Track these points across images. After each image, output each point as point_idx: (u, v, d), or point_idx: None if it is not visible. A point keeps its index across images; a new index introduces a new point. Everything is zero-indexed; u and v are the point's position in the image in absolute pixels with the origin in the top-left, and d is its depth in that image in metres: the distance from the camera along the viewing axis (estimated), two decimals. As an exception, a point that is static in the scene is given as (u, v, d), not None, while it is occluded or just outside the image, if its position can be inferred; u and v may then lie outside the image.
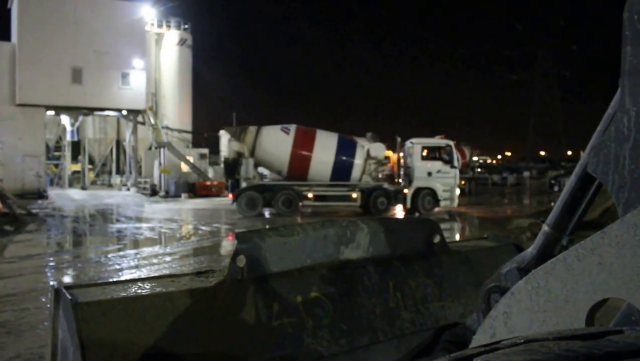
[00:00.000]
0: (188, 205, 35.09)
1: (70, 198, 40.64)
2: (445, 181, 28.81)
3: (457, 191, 29.77)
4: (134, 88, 47.27)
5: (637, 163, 1.70)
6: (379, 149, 29.69)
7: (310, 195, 28.39)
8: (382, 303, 2.70)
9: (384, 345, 2.63)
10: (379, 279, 2.73)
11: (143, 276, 2.47)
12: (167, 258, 15.43)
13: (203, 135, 66.50)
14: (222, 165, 35.76)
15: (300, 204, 28.30)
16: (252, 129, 28.88)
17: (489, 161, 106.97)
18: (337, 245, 2.68)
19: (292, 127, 29.32)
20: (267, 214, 28.55)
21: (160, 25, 61.57)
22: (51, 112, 47.67)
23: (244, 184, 28.37)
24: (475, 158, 70.41)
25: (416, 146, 28.86)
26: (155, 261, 14.93)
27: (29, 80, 42.58)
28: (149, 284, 2.32)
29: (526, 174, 71.57)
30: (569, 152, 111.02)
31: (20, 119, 42.98)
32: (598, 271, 1.47)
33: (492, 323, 1.76)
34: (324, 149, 28.87)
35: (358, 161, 29.12)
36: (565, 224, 2.20)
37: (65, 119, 51.39)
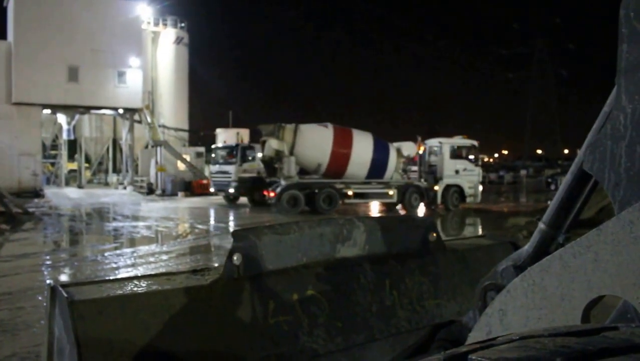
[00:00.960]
0: (184, 204, 35.39)
1: (66, 196, 40.60)
2: (470, 178, 31.03)
3: (480, 188, 32.16)
4: (130, 87, 47.19)
5: (633, 161, 1.69)
6: (410, 148, 31.11)
7: (350, 193, 29.40)
8: (378, 301, 2.69)
9: (380, 343, 2.63)
10: (375, 278, 2.72)
11: (139, 275, 2.47)
12: (164, 257, 15.42)
13: (199, 133, 66.53)
14: None
15: (340, 202, 29.30)
16: (289, 126, 29.34)
17: (485, 159, 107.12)
18: (334, 243, 2.67)
19: (330, 125, 30.03)
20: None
21: (156, 24, 61.50)
22: (47, 111, 47.62)
23: (282, 182, 28.72)
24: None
25: (445, 145, 30.78)
26: (151, 259, 14.91)
27: (25, 79, 42.48)
28: (145, 283, 2.31)
29: (523, 172, 71.73)
30: (566, 151, 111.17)
31: (16, 117, 42.89)
32: (594, 268, 1.47)
33: (488, 320, 1.76)
34: (362, 147, 29.80)
35: (392, 159, 30.47)
36: (562, 222, 2.19)
37: (61, 118, 51.30)
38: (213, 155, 38.42)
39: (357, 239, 2.74)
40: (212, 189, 37.30)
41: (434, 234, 3.02)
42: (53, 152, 56.69)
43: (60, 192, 45.06)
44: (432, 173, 30.73)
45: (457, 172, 30.64)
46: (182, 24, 64.00)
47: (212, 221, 26.15)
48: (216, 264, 2.57)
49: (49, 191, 42.51)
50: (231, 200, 35.39)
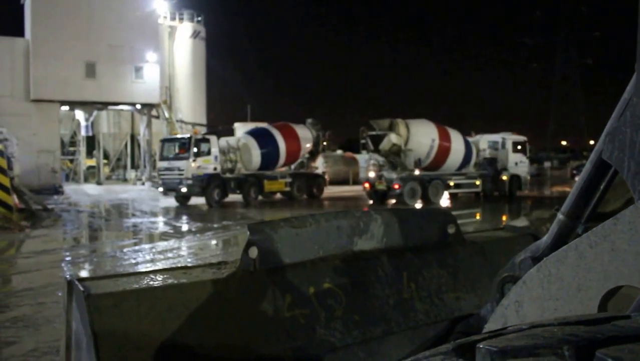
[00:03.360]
0: (202, 198, 35.30)
1: (85, 193, 40.84)
2: (523, 169, 35.62)
3: (528, 178, 36.97)
4: (147, 82, 47.39)
5: None
6: (484, 142, 34.78)
7: (451, 183, 32.19)
8: (395, 294, 2.67)
9: (398, 336, 2.60)
10: (392, 270, 2.70)
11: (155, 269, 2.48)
12: (183, 252, 15.49)
13: (217, 128, 66.55)
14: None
15: (446, 192, 32.00)
16: (400, 121, 31.10)
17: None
18: (350, 236, 2.65)
19: (429, 121, 32.18)
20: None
21: (173, 18, 61.53)
22: (65, 108, 47.87)
23: (395, 175, 30.43)
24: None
25: (508, 140, 35.01)
26: (170, 255, 14.99)
27: (43, 75, 42.81)
28: (161, 276, 2.32)
29: (547, 164, 71.08)
30: (592, 142, 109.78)
31: (34, 115, 43.27)
32: (610, 258, 1.45)
33: (504, 312, 1.76)
34: (458, 141, 32.49)
35: (474, 152, 33.66)
36: (581, 213, 2.14)
37: (79, 114, 51.51)
38: (160, 149, 33.80)
39: (375, 232, 2.72)
40: (160, 189, 33.00)
41: (453, 227, 2.99)
42: (72, 148, 56.92)
43: (79, 188, 45.34)
44: (492, 165, 34.01)
45: (516, 164, 34.91)
46: (199, 18, 63.98)
47: (230, 216, 26.16)
48: (233, 258, 2.55)
49: (68, 188, 42.80)
50: (182, 201, 31.73)
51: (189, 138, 31.32)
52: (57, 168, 44.05)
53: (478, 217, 26.40)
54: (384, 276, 2.67)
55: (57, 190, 39.55)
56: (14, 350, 7.73)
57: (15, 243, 17.80)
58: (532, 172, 70.04)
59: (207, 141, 31.47)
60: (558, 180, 56.16)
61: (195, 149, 30.53)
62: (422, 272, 2.79)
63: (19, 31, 47.37)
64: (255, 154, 32.46)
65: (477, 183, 33.14)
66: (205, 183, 30.14)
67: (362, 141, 32.79)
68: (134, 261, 13.97)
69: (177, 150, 31.49)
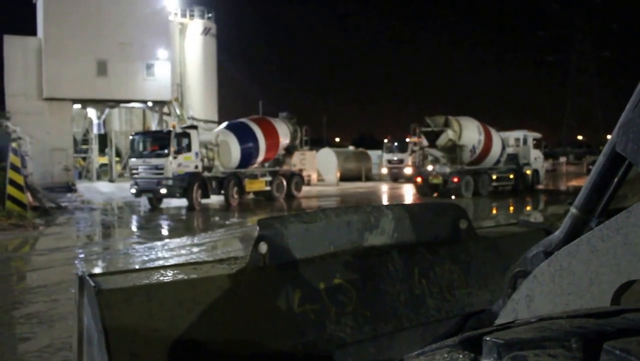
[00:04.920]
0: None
1: (98, 190, 40.92)
2: (540, 164, 39.15)
3: (544, 172, 40.70)
4: (158, 79, 47.39)
5: None
6: (512, 139, 37.51)
7: (494, 177, 34.68)
8: (407, 289, 2.64)
9: (409, 332, 2.59)
10: (403, 266, 2.67)
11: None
12: (195, 249, 15.52)
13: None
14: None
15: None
16: (452, 117, 32.68)
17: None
18: (361, 231, 2.62)
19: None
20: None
21: (183, 15, 61.38)
22: (78, 106, 47.95)
23: (448, 170, 32.30)
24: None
25: (529, 137, 38.16)
26: (183, 252, 15.03)
27: (55, 74, 42.94)
28: (171, 272, 2.33)
29: (562, 159, 70.63)
30: (608, 137, 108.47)
31: (47, 113, 43.43)
32: (623, 252, 1.43)
33: (515, 306, 1.75)
34: (496, 137, 34.29)
35: (506, 148, 35.44)
36: (594, 206, 2.11)
37: (91, 112, 51.58)
38: (132, 145, 29.74)
39: (386, 227, 2.69)
40: (132, 191, 28.10)
41: (465, 222, 2.95)
42: (84, 146, 57.04)
43: (92, 186, 45.41)
44: (515, 160, 36.44)
45: (535, 159, 38.09)
46: (210, 15, 63.85)
47: (242, 213, 26.18)
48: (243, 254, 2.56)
49: (81, 186, 42.87)
50: (155, 203, 28.33)
51: (168, 132, 27.88)
52: (70, 166, 44.20)
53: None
54: (395, 271, 2.65)
55: (70, 188, 39.63)
56: (29, 346, 7.83)
57: (29, 240, 17.90)
58: (548, 168, 70.15)
59: (188, 135, 27.90)
60: (573, 175, 55.86)
61: (175, 145, 27.07)
62: (434, 268, 2.77)
63: (31, 30, 47.63)
64: (235, 151, 29.55)
65: (511, 176, 35.71)
66: (187, 183, 26.91)
67: (412, 138, 35.38)
68: (146, 258, 14.01)
69: (153, 146, 28.01)
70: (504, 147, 34.84)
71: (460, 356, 0.91)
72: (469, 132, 32.43)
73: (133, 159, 28.93)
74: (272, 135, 31.58)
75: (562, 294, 1.57)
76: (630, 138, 1.68)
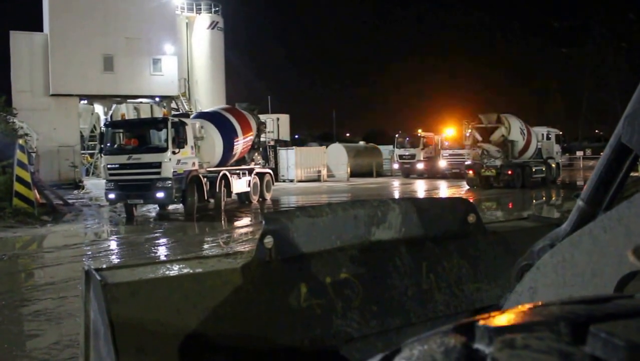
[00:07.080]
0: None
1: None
2: (559, 158, 41.62)
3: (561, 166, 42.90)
4: (165, 74, 47.56)
5: None
6: (539, 135, 38.96)
7: (534, 169, 36.74)
8: (414, 284, 2.66)
9: (417, 327, 2.58)
10: (411, 261, 2.69)
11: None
12: (205, 246, 15.54)
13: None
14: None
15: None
16: (501, 115, 35.42)
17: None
18: (368, 225, 2.62)
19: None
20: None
21: (190, 9, 61.42)
22: (84, 102, 48.21)
23: (499, 163, 34.69)
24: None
25: (552, 133, 40.73)
26: (192, 249, 15.03)
27: (62, 70, 43.09)
28: (177, 266, 2.35)
29: (579, 154, 70.55)
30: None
31: (54, 109, 43.60)
32: (625, 242, 1.41)
33: (518, 298, 1.76)
34: (533, 133, 36.79)
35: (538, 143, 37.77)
36: (601, 199, 2.08)
37: (98, 108, 51.83)
38: (109, 138, 23.23)
39: (393, 222, 2.69)
40: (110, 196, 22.57)
41: (474, 216, 2.94)
42: (91, 143, 57.28)
43: (99, 183, 45.28)
44: (540, 154, 38.32)
45: (557, 153, 40.57)
46: (217, 9, 63.87)
47: (250, 208, 26.18)
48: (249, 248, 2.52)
49: (89, 182, 43.00)
50: (130, 210, 22.99)
51: (164, 121, 22.27)
52: (78, 163, 44.28)
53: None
54: (402, 266, 2.65)
55: (77, 185, 39.77)
56: (37, 343, 7.94)
57: (36, 237, 17.94)
58: (564, 162, 70.68)
59: (184, 125, 22.36)
60: (590, 170, 56.04)
61: (175, 138, 21.76)
62: (442, 262, 2.79)
63: (37, 26, 47.78)
64: (219, 147, 24.67)
65: (544, 169, 37.96)
66: (185, 185, 21.93)
67: (467, 133, 36.32)
68: (154, 255, 14.00)
69: (140, 139, 22.47)
70: (536, 143, 37.30)
71: (453, 340, 0.91)
72: (516, 128, 35.14)
73: (110, 156, 22.64)
74: (246, 128, 26.93)
75: (565, 285, 1.57)
76: (636, 129, 1.71)
